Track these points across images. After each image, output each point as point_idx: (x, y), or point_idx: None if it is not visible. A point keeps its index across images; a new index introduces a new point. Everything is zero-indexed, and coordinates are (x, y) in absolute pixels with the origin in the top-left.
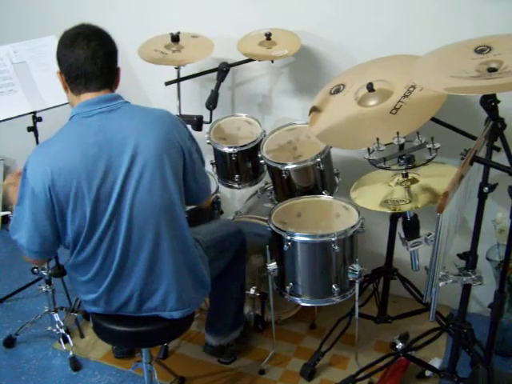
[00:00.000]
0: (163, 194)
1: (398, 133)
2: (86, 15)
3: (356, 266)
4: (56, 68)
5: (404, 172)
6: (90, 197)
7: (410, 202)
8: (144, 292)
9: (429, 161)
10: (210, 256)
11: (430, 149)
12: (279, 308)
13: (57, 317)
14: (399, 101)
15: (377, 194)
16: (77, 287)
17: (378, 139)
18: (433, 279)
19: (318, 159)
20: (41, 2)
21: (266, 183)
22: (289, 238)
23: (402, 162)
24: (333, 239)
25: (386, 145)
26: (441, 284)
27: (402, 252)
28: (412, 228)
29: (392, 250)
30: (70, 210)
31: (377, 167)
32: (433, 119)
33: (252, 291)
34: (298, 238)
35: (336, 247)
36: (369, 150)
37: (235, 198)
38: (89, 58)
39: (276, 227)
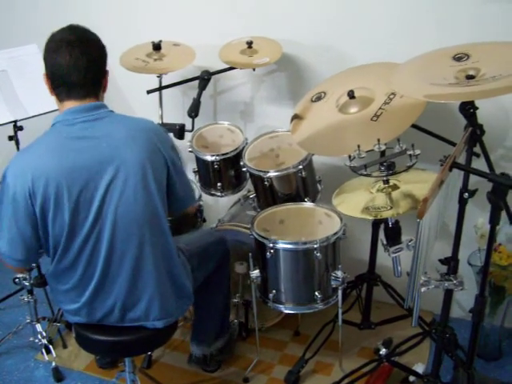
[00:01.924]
0: (147, 204)
1: (378, 140)
2: (68, 23)
3: (339, 273)
4: (42, 70)
5: (385, 179)
6: (69, 204)
7: (391, 208)
8: (127, 302)
9: (409, 167)
10: (192, 265)
11: (410, 155)
12: (263, 315)
13: (39, 327)
14: (380, 108)
15: (358, 200)
16: (58, 297)
17: (359, 146)
18: (414, 285)
19: (300, 166)
20: (23, 10)
21: (249, 191)
22: (271, 245)
23: (382, 168)
24: (315, 246)
25: (367, 152)
26: (422, 289)
27: (384, 258)
28: (393, 234)
29: (375, 256)
30: (50, 217)
31: (358, 174)
32: (413, 126)
33: (236, 299)
34: (280, 246)
35: (318, 254)
36: (350, 156)
37: (218, 206)
38: (71, 67)
39: (258, 235)
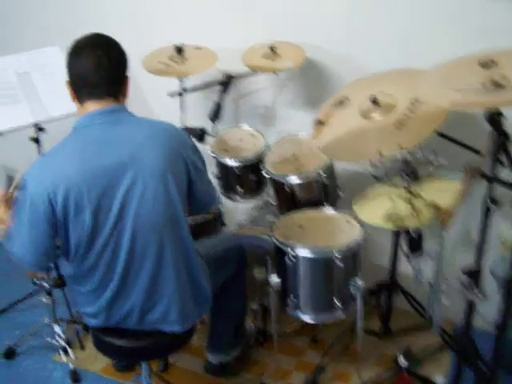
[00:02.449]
0: (167, 207)
1: (401, 146)
2: (90, 26)
3: (358, 281)
4: (65, 78)
5: (407, 187)
6: (90, 209)
7: (414, 217)
8: (145, 305)
9: (432, 176)
10: (210, 270)
11: (433, 163)
12: (281, 321)
13: (57, 328)
14: (403, 114)
15: (379, 208)
16: (77, 299)
17: (380, 153)
18: (436, 295)
19: (321, 172)
20: (43, 13)
21: (269, 195)
22: (291, 251)
23: (405, 176)
24: (336, 254)
25: (389, 158)
26: (444, 300)
27: (405, 265)
28: (415, 243)
29: (395, 263)
30: (70, 221)
31: (380, 181)
32: (437, 133)
33: (254, 304)
34: (300, 252)
35: (339, 262)
36: (372, 163)
37: (237, 210)
38: (93, 68)
39: (278, 240)
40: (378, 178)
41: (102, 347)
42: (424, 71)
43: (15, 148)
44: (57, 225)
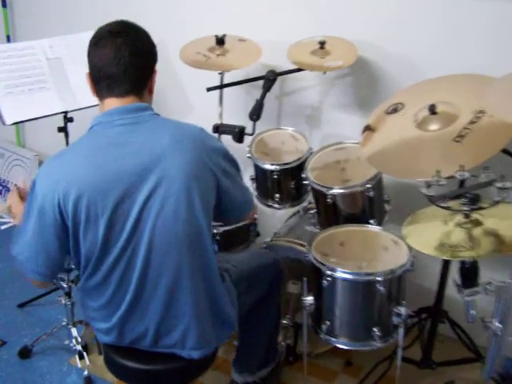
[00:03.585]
0: (189, 221)
1: (461, 166)
2: (130, 11)
3: (402, 309)
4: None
5: (466, 212)
6: (103, 218)
7: (471, 248)
8: (161, 327)
9: (498, 202)
10: (239, 289)
11: (499, 187)
12: (313, 340)
13: (74, 331)
14: (465, 127)
15: (432, 234)
16: (88, 313)
17: (438, 172)
18: (498, 342)
19: (369, 185)
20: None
21: (310, 203)
22: (329, 273)
23: (464, 200)
24: (378, 279)
25: (447, 178)
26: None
27: (453, 291)
28: (470, 275)
29: (443, 290)
30: (81, 229)
31: (435, 205)
32: (504, 151)
33: (285, 320)
34: (339, 274)
35: (381, 288)
36: (427, 183)
37: (274, 217)
38: (111, 58)
39: (316, 259)
40: (432, 200)
41: (113, 367)
42: (493, 79)
43: (46, 134)
44: (66, 233)
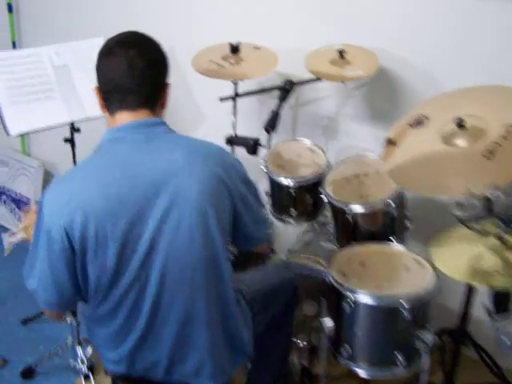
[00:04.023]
0: (205, 246)
1: (494, 184)
2: (141, 18)
3: (427, 335)
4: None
5: (499, 235)
6: (113, 243)
7: (505, 274)
8: (174, 357)
9: None
10: (254, 310)
11: None
12: (329, 361)
13: (80, 351)
14: (496, 143)
15: (462, 257)
16: (95, 341)
17: (469, 190)
18: None
19: (391, 202)
20: (91, 2)
21: (326, 216)
22: (350, 295)
23: (497, 221)
24: (403, 303)
25: (477, 198)
26: None
27: (479, 311)
28: (502, 300)
29: (467, 311)
30: (89, 256)
31: (467, 227)
32: None
33: (299, 340)
34: (360, 298)
35: (406, 313)
36: (459, 204)
37: (288, 231)
38: (124, 70)
39: (336, 280)
40: (464, 223)
41: None
42: None
43: (52, 142)
44: (75, 261)
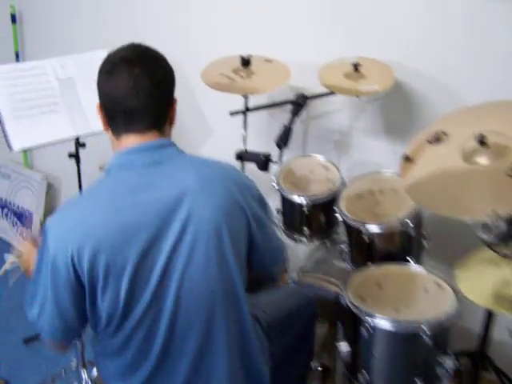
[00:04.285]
0: (221, 272)
1: None
2: (145, 30)
3: (448, 361)
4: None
5: None
6: (125, 273)
7: None
8: None
9: None
10: (271, 338)
11: None
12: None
13: (85, 374)
14: None
15: (486, 282)
16: (104, 373)
17: (495, 212)
18: None
19: (409, 222)
20: (94, 13)
21: (337, 233)
22: (368, 320)
23: None
24: (424, 329)
25: (502, 219)
26: None
27: (501, 334)
28: None
29: (487, 333)
30: (99, 288)
31: (494, 251)
32: None
33: (312, 362)
34: (379, 323)
35: (427, 339)
36: (485, 226)
37: (298, 248)
38: (129, 90)
39: (352, 303)
40: (488, 244)
41: None
42: None
43: (55, 154)
44: (82, 292)
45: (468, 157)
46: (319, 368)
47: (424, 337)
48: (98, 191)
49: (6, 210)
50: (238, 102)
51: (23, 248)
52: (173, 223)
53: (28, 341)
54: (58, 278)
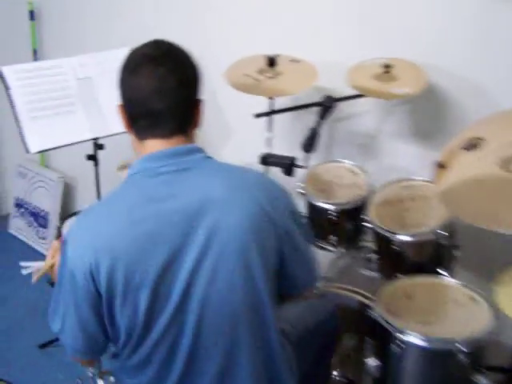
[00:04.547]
0: (247, 289)
1: None
2: (170, 28)
3: (483, 380)
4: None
5: None
6: (144, 288)
7: None
8: None
9: None
10: (297, 352)
11: None
12: None
13: None
14: None
15: None
16: None
17: None
18: None
19: (444, 233)
20: (120, 12)
21: (363, 241)
22: (400, 336)
23: None
24: (459, 346)
25: None
26: None
27: None
28: None
29: None
30: (117, 303)
31: None
32: None
33: (336, 374)
34: (411, 340)
35: (462, 357)
36: None
37: (320, 253)
38: (154, 91)
39: (383, 318)
40: None
41: None
42: None
43: (72, 154)
44: (101, 307)
45: (506, 165)
46: (343, 379)
47: (459, 354)
48: (117, 199)
49: (22, 210)
50: (260, 103)
51: (54, 258)
52: (196, 235)
53: (43, 346)
54: (77, 290)
